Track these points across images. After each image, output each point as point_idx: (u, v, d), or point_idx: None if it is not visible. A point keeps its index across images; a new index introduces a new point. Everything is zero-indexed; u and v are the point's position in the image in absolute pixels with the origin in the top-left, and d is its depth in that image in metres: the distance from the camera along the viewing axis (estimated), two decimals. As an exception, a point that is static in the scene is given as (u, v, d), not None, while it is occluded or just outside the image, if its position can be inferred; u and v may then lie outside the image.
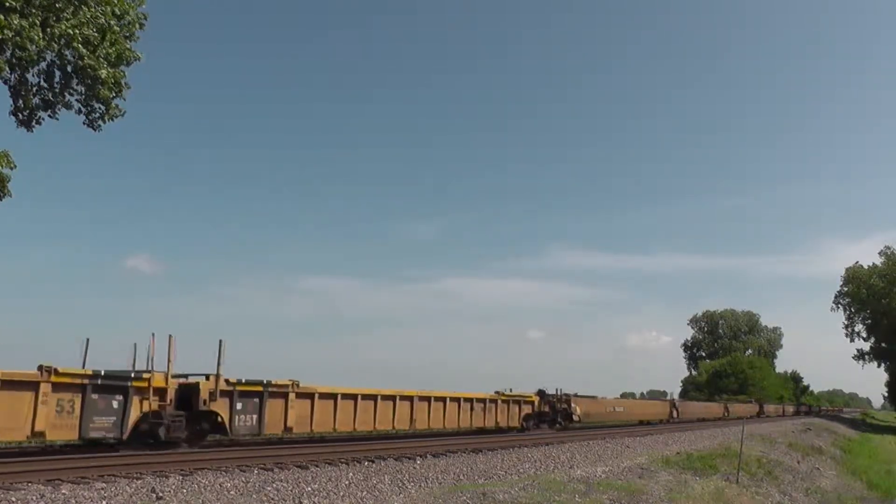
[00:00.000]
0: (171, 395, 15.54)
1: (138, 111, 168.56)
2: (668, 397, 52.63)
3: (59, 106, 17.31)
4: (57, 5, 15.47)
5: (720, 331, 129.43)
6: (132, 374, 15.05)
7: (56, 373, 13.38)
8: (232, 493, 10.61)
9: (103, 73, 16.57)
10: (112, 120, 17.71)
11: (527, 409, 29.80)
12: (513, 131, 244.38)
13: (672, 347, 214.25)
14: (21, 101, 16.92)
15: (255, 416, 17.22)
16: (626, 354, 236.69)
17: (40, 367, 13.23)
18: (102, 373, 14.29)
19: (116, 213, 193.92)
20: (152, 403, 15.09)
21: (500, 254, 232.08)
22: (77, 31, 15.82)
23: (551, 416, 31.25)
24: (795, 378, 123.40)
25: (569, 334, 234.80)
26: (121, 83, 17.25)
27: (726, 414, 59.43)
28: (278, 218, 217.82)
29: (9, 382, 12.73)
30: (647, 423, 40.90)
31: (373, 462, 15.24)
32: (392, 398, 21.86)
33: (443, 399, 24.37)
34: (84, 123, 17.62)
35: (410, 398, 22.68)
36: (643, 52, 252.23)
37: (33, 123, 17.32)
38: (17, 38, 14.89)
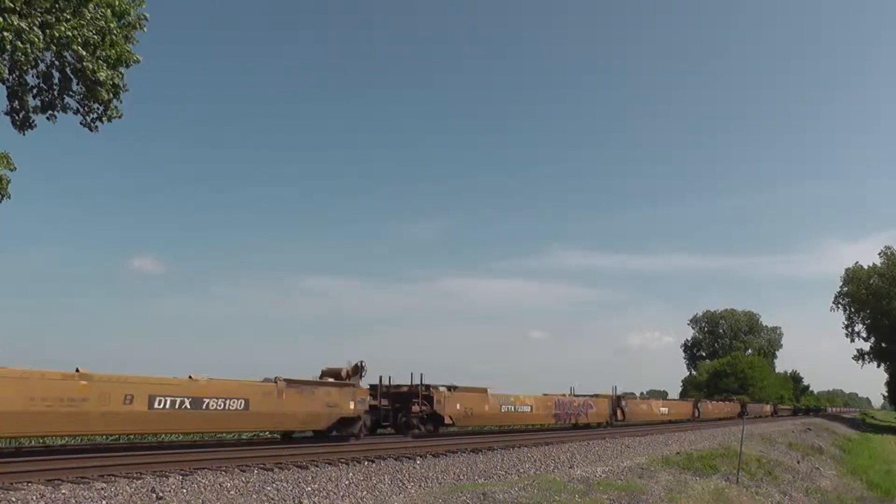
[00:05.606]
0: None
1: (139, 111, 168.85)
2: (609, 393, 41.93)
3: (58, 108, 17.26)
4: (57, 5, 15.43)
5: (720, 331, 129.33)
6: None
7: None
8: (232, 493, 10.62)
9: (103, 74, 16.51)
10: (110, 121, 17.66)
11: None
12: (512, 131, 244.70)
13: (674, 347, 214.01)
14: (17, 103, 16.87)
15: None
16: (627, 354, 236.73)
17: None
18: None
19: (122, 214, 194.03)
20: None
21: (500, 254, 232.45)
22: (77, 33, 15.77)
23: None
24: (795, 378, 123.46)
25: (570, 334, 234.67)
26: (118, 85, 17.19)
27: (696, 414, 52.70)
28: (279, 218, 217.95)
29: None
30: (583, 427, 34.52)
31: (373, 462, 15.24)
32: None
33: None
34: (81, 124, 17.57)
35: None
36: (643, 53, 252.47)
37: (27, 126, 17.23)
38: (17, 40, 14.85)
